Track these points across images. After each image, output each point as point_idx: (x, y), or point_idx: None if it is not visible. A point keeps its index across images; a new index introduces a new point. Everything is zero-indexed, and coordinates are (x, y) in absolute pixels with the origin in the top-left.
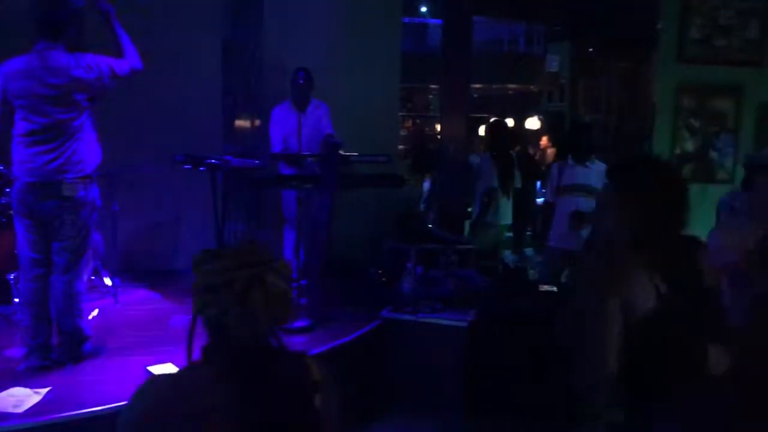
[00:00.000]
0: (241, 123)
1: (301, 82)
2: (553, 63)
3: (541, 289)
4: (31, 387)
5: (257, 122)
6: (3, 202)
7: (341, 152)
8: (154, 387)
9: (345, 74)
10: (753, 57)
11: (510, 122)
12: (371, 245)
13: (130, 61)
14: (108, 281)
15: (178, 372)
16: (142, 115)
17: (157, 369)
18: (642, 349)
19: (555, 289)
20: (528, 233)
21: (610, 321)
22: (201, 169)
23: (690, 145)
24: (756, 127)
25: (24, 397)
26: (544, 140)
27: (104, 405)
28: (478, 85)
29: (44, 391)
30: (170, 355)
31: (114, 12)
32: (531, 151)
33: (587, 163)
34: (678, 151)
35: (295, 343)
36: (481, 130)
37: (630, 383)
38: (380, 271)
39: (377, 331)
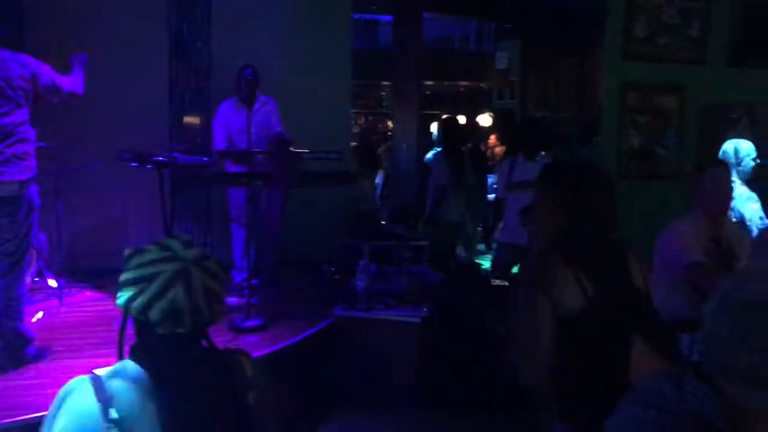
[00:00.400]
0: (190, 120)
1: (249, 78)
2: (502, 61)
3: (493, 284)
4: None
5: (205, 119)
6: None
7: (292, 149)
8: (77, 388)
9: (295, 70)
10: (695, 56)
11: (462, 119)
12: (324, 242)
13: (73, 82)
14: (53, 282)
15: (107, 373)
16: (87, 111)
17: (104, 371)
18: (567, 351)
19: (506, 283)
20: (479, 229)
21: (540, 317)
22: (148, 166)
23: (636, 142)
24: (699, 125)
25: None
26: (492, 138)
27: (47, 411)
28: (429, 82)
29: None
30: (118, 356)
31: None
32: (483, 147)
33: (537, 159)
34: (625, 147)
35: (248, 342)
36: (433, 127)
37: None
38: (333, 269)
39: (330, 329)
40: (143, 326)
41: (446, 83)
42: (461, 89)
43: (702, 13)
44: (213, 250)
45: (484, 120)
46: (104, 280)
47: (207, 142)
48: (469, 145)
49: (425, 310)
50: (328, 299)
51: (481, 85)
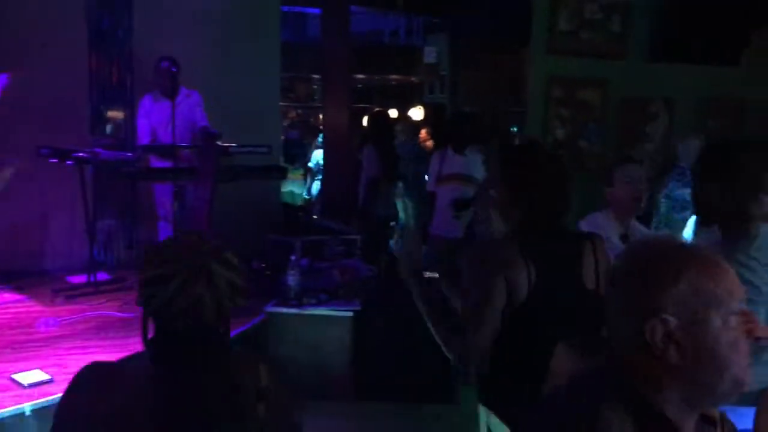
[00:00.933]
0: (112, 114)
1: (168, 69)
2: (431, 55)
3: (425, 276)
4: None
5: (128, 113)
6: None
7: (219, 143)
8: (88, 375)
9: (222, 63)
10: (616, 50)
11: (393, 113)
12: (253, 239)
13: None
14: None
15: (119, 362)
16: (2, 106)
17: (23, 376)
18: (501, 339)
19: (437, 275)
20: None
21: (493, 297)
22: (68, 162)
23: (561, 134)
24: (619, 119)
25: None
26: (423, 133)
27: None
28: (360, 76)
29: None
30: (37, 360)
31: None
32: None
33: (466, 153)
34: (550, 139)
35: None
36: (365, 121)
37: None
38: (264, 265)
39: (262, 326)
40: (162, 322)
41: (377, 77)
42: (392, 83)
43: (623, 9)
44: (139, 247)
45: (416, 114)
46: (22, 281)
47: (130, 136)
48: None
49: (357, 303)
50: (259, 296)
51: (412, 79)
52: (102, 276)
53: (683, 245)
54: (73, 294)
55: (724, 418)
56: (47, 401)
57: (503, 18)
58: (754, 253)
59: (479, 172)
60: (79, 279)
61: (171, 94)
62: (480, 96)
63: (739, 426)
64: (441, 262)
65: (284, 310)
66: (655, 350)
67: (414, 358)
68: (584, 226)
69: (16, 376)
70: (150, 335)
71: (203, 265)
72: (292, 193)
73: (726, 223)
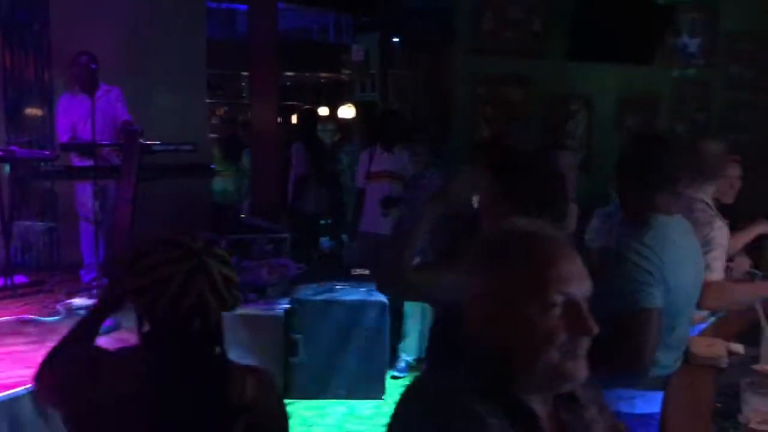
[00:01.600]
0: (29, 111)
1: (86, 64)
2: (359, 53)
3: (354, 273)
4: None
5: (47, 110)
6: None
7: (142, 141)
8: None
9: (145, 59)
10: (537, 49)
11: (324, 110)
12: None
13: None
14: None
15: (114, 351)
16: None
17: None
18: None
19: (367, 272)
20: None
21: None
22: None
23: (485, 133)
24: (544, 116)
25: None
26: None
27: None
28: (289, 73)
29: None
30: None
31: None
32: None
33: (394, 151)
34: (476, 137)
35: (99, 344)
36: (295, 118)
37: None
38: None
39: None
40: (161, 321)
41: (307, 74)
42: (322, 80)
43: (543, 9)
44: (60, 248)
45: (346, 112)
46: None
47: (50, 134)
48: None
49: (286, 302)
50: None
51: (343, 77)
52: (20, 279)
53: (530, 228)
54: None
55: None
56: None
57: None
58: (649, 241)
59: (408, 170)
60: None
61: (90, 89)
62: (409, 95)
63: (648, 410)
64: (369, 259)
65: None
66: (471, 332)
67: (346, 356)
68: None
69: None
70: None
71: (199, 262)
72: (224, 191)
73: (633, 212)
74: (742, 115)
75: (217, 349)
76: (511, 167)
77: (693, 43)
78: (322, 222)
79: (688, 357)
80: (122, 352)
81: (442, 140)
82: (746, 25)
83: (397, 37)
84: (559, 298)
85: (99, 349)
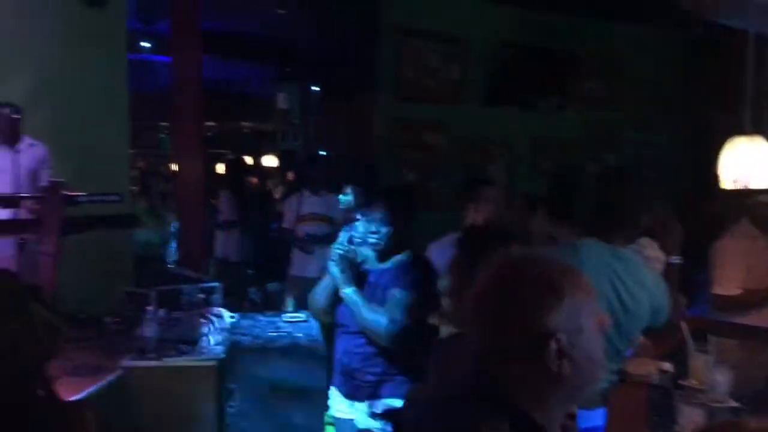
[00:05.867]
0: None
1: (15, 116)
2: (284, 101)
3: (287, 319)
4: None
5: None
6: None
7: (65, 192)
8: None
9: (65, 112)
10: (455, 96)
11: (248, 160)
12: (103, 292)
13: None
14: None
15: None
16: None
17: None
18: None
19: (302, 317)
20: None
21: None
22: None
23: (411, 176)
24: (462, 159)
25: None
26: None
27: None
28: (211, 123)
29: None
30: None
31: None
32: (269, 186)
33: (321, 194)
34: (402, 181)
35: None
36: (219, 168)
37: None
38: (117, 319)
39: (118, 383)
40: None
41: (229, 124)
42: (245, 130)
43: (460, 58)
44: None
45: (270, 160)
46: None
47: None
48: (257, 183)
49: (221, 351)
50: (114, 352)
51: (266, 126)
52: None
53: (546, 259)
54: None
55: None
56: None
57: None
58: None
59: (336, 212)
60: None
61: (11, 141)
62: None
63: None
64: (299, 303)
65: (143, 363)
66: (551, 367)
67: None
68: (435, 248)
69: None
70: None
71: (19, 304)
72: (148, 242)
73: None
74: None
75: (40, 392)
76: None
77: (600, 88)
78: (249, 271)
79: (623, 376)
80: None
81: (368, 183)
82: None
83: (315, 87)
84: (595, 309)
85: None
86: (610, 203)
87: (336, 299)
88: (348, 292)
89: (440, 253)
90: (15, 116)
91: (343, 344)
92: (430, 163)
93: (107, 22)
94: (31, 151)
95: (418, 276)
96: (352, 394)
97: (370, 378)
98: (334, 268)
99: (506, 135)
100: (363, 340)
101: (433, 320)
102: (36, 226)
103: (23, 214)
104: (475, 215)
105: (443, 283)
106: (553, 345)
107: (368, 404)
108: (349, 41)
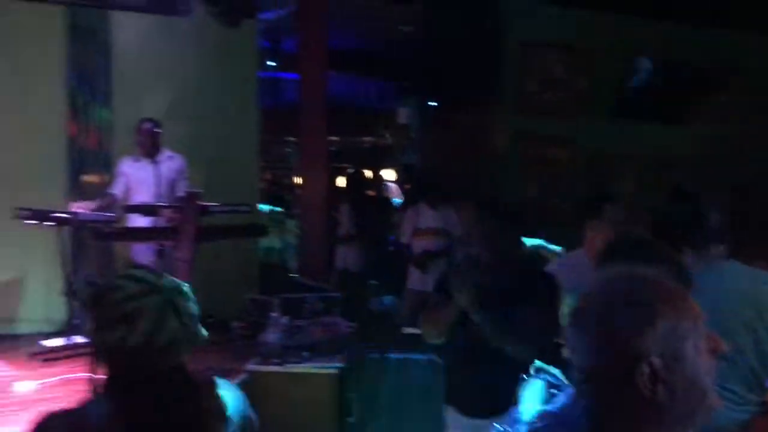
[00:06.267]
0: (90, 178)
1: (148, 130)
2: (405, 116)
3: (405, 332)
4: None
5: (108, 177)
6: None
7: (200, 202)
8: (49, 424)
9: (202, 128)
10: (580, 108)
11: (368, 173)
12: (231, 297)
13: None
14: None
15: (77, 408)
16: None
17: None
18: None
19: (419, 331)
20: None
21: None
22: (47, 224)
23: (533, 192)
24: (587, 173)
25: None
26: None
27: None
28: (334, 138)
29: None
30: (15, 421)
31: None
32: (387, 199)
33: (439, 208)
34: (523, 196)
35: None
36: (340, 181)
37: None
38: (243, 324)
39: (244, 386)
40: (123, 361)
41: (350, 139)
42: (365, 145)
43: (586, 70)
44: None
45: (388, 174)
46: None
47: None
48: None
49: (340, 360)
50: (240, 355)
51: (385, 140)
52: (79, 338)
53: (646, 279)
54: (50, 357)
55: None
56: None
57: (471, 79)
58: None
59: (455, 227)
60: (56, 342)
61: (152, 154)
62: (449, 155)
63: None
64: (416, 317)
65: (267, 368)
66: (644, 391)
67: (401, 415)
68: (560, 265)
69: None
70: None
71: (169, 298)
72: (271, 249)
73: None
74: None
75: (190, 386)
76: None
77: (733, 103)
78: (369, 283)
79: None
80: (82, 409)
81: (488, 198)
82: None
83: (439, 101)
84: (703, 332)
85: (60, 412)
86: (748, 218)
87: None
88: (477, 315)
89: (566, 269)
90: (156, 130)
91: (466, 361)
92: (552, 177)
93: (240, 42)
94: (170, 162)
95: (545, 293)
96: (474, 410)
97: (495, 395)
98: (460, 297)
99: (634, 149)
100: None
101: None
102: (173, 233)
103: (162, 222)
104: (595, 234)
105: (570, 301)
106: (645, 368)
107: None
108: (471, 55)
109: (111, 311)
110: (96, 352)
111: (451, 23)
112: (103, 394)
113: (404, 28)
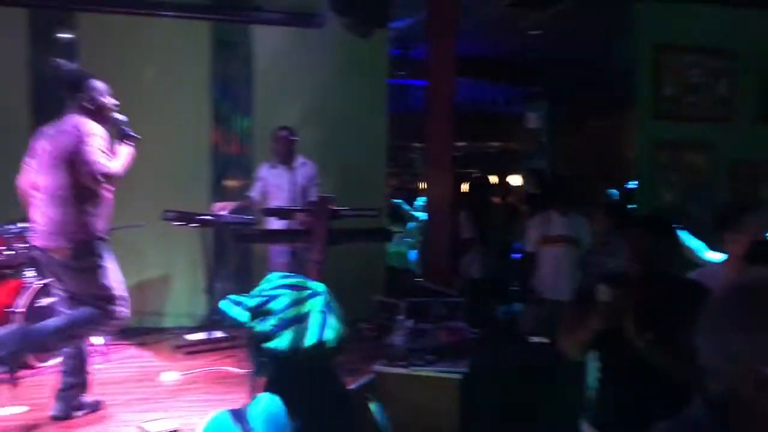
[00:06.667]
0: (231, 183)
1: (285, 138)
2: (535, 121)
3: (532, 341)
4: None
5: (247, 181)
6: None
7: (332, 206)
8: (215, 422)
9: (333, 134)
10: (723, 114)
11: (493, 179)
12: (357, 299)
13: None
14: (99, 340)
15: (244, 408)
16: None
17: (151, 425)
18: None
19: (548, 340)
20: (514, 288)
21: None
22: (191, 225)
23: (669, 199)
24: (729, 181)
25: None
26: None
27: None
28: (460, 143)
29: None
30: (162, 412)
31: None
32: (513, 205)
33: (569, 215)
34: (657, 204)
35: None
36: (464, 187)
37: None
38: (370, 326)
39: (370, 386)
40: (293, 360)
41: (477, 144)
42: (491, 150)
43: (729, 72)
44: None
45: (515, 179)
46: (146, 337)
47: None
48: (501, 201)
49: (465, 365)
50: (367, 356)
51: (512, 146)
52: (218, 333)
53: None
54: (192, 350)
55: None
56: None
57: (601, 84)
58: None
59: (585, 235)
60: (197, 336)
61: (288, 160)
62: (580, 161)
63: None
64: (545, 326)
65: (392, 370)
66: (746, 399)
67: (527, 423)
68: (700, 276)
69: (144, 425)
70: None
71: (328, 301)
72: (397, 254)
73: None
74: None
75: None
76: None
77: None
78: (493, 289)
79: None
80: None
81: (620, 205)
82: None
83: (568, 105)
84: None
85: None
86: None
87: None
88: (639, 338)
89: (706, 280)
90: (292, 138)
91: (615, 381)
92: (690, 185)
93: (372, 52)
94: (303, 168)
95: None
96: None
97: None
98: (613, 316)
99: None
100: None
101: None
102: (306, 236)
103: (295, 225)
104: (733, 245)
105: None
106: (750, 375)
107: None
108: (604, 59)
109: (281, 315)
110: (262, 355)
111: (581, 26)
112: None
113: (533, 32)
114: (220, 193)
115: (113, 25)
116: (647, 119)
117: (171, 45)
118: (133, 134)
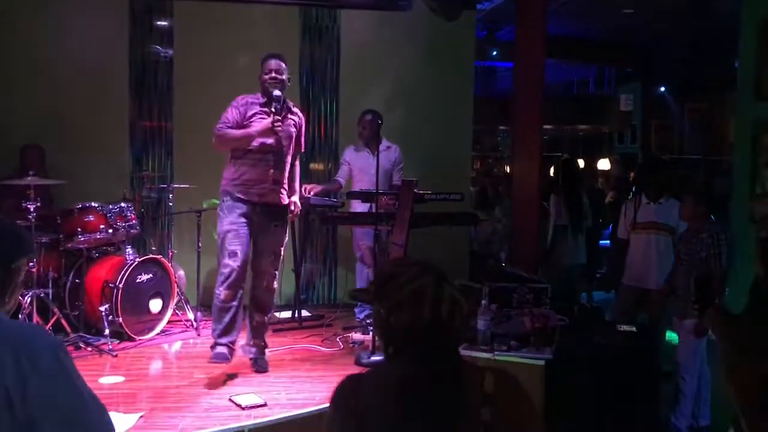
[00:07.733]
0: (317, 165)
1: (369, 121)
2: (628, 103)
3: (620, 329)
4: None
5: (332, 164)
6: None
7: (416, 190)
8: (341, 386)
9: (419, 117)
10: None
11: (581, 162)
12: None
13: None
14: (190, 315)
15: (365, 373)
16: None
17: (241, 398)
18: None
19: (634, 329)
20: (598, 275)
21: None
22: None
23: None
24: None
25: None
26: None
27: None
28: (548, 126)
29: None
30: (249, 386)
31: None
32: (603, 189)
33: (660, 201)
34: (759, 190)
35: None
36: (552, 170)
37: None
38: None
39: None
40: (403, 337)
41: (566, 127)
42: (580, 133)
43: None
44: (337, 286)
45: (604, 164)
46: None
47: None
48: (590, 186)
49: (549, 352)
50: None
51: (603, 129)
52: (304, 313)
53: None
54: (279, 328)
55: None
56: (262, 422)
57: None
58: None
59: (676, 221)
60: (285, 314)
61: (373, 143)
62: (675, 145)
63: None
64: (630, 314)
65: (475, 353)
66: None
67: (613, 412)
68: None
69: (235, 398)
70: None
71: (439, 277)
72: (482, 240)
73: None
74: None
75: (456, 351)
76: None
77: None
78: (581, 276)
79: None
80: (373, 371)
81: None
82: None
83: (662, 87)
84: None
85: (359, 373)
86: None
87: None
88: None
89: None
90: (378, 122)
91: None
92: None
93: (458, 34)
94: (387, 152)
95: None
96: None
97: None
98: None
99: None
100: None
101: None
102: (390, 219)
103: (380, 208)
104: None
105: None
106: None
107: None
108: (704, 38)
109: (398, 294)
110: (387, 332)
111: (678, 4)
112: (387, 362)
113: (626, 11)
114: (307, 176)
115: (206, 12)
116: (748, 100)
117: (262, 30)
118: (268, 110)
